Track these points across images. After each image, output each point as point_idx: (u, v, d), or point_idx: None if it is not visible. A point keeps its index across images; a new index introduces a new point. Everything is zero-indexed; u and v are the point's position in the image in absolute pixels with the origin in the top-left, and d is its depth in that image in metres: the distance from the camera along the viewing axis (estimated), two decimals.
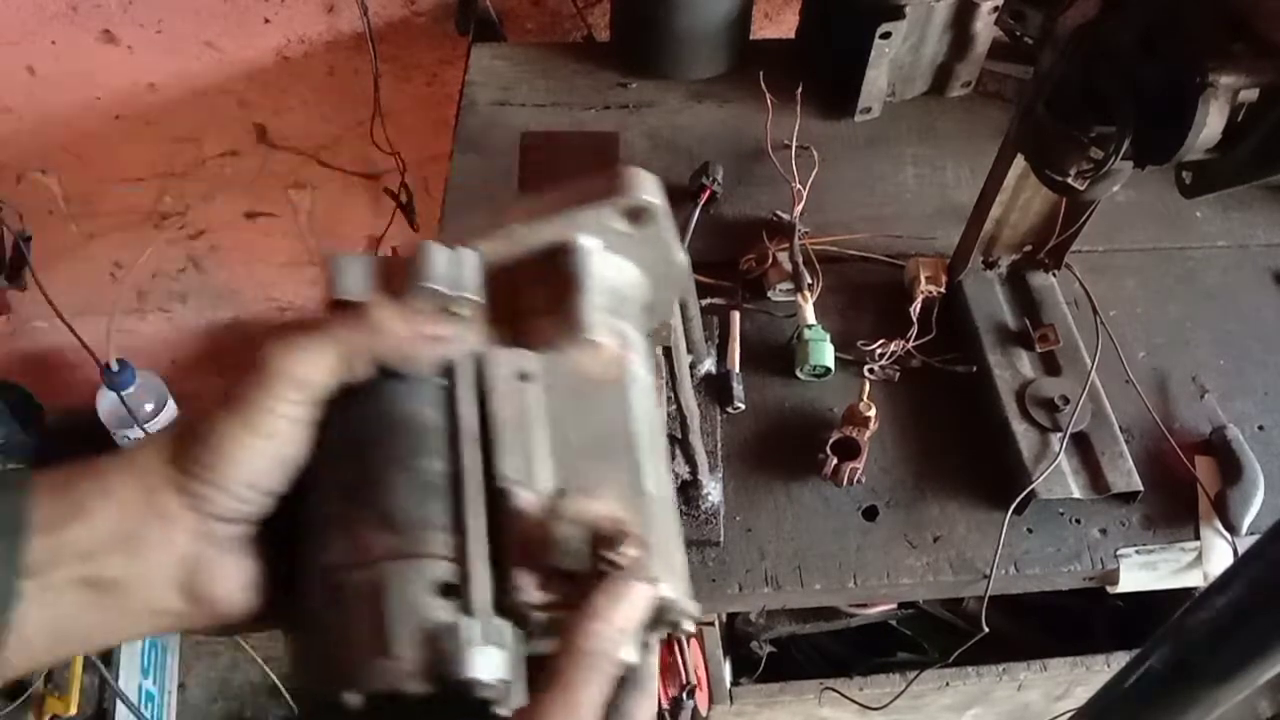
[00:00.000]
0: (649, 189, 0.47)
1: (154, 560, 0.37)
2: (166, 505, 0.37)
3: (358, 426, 0.41)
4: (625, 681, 0.39)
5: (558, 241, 0.48)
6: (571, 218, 0.47)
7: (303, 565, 0.40)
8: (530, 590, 0.38)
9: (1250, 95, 0.61)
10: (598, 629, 0.37)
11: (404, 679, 0.36)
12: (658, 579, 0.39)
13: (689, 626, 0.42)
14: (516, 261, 0.48)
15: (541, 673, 0.39)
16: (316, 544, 0.39)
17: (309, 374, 0.39)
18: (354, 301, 0.42)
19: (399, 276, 0.43)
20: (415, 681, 0.36)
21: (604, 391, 0.45)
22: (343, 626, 0.37)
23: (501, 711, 0.37)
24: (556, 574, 0.38)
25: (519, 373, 0.43)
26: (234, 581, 0.39)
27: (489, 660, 0.36)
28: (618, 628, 0.38)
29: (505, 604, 0.38)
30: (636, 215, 0.48)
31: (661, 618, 0.42)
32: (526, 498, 0.39)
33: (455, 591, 0.38)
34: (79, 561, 0.36)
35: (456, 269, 0.44)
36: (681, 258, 0.51)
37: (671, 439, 0.76)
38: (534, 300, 0.47)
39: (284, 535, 0.41)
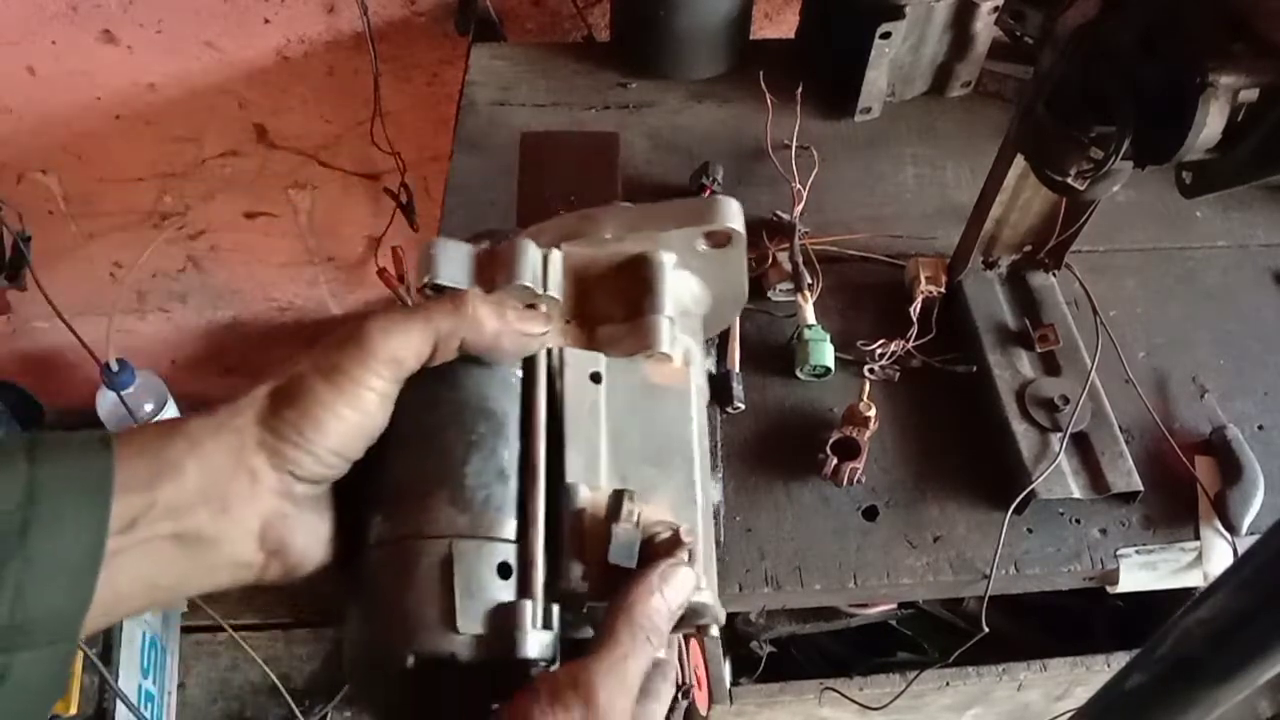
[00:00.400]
0: (737, 218, 0.49)
1: (239, 516, 0.40)
2: (255, 466, 0.40)
3: (437, 407, 0.44)
4: (654, 664, 0.41)
5: (638, 254, 0.50)
6: (660, 238, 0.49)
7: (373, 530, 0.42)
8: (579, 580, 0.41)
9: (1250, 95, 0.61)
10: (654, 604, 0.40)
11: (462, 648, 0.39)
12: (701, 588, 0.42)
13: (715, 631, 0.45)
14: (597, 267, 0.50)
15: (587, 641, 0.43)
16: (390, 512, 0.42)
17: (403, 354, 0.41)
18: (450, 288, 0.45)
19: (494, 269, 0.46)
20: (472, 651, 0.39)
21: (668, 402, 0.47)
22: (410, 594, 0.40)
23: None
24: (606, 568, 0.41)
25: (591, 374, 0.46)
26: (310, 537, 0.42)
27: (541, 642, 0.39)
28: (668, 607, 0.40)
29: (556, 591, 0.41)
30: (721, 241, 0.50)
31: (692, 619, 0.44)
32: (587, 494, 0.42)
33: (515, 574, 0.40)
34: (170, 518, 0.38)
35: (545, 268, 0.47)
36: (746, 282, 0.53)
37: None
38: (608, 306, 0.49)
39: (352, 497, 0.43)
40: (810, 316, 0.92)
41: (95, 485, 0.37)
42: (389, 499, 0.42)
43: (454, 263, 0.46)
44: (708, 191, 1.05)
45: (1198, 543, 0.84)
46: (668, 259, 0.50)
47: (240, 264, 1.79)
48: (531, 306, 0.46)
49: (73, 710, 1.10)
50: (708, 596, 0.42)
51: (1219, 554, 0.84)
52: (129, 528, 0.37)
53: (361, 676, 0.41)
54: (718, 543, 0.81)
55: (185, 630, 1.35)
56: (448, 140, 1.17)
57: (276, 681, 1.13)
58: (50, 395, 1.87)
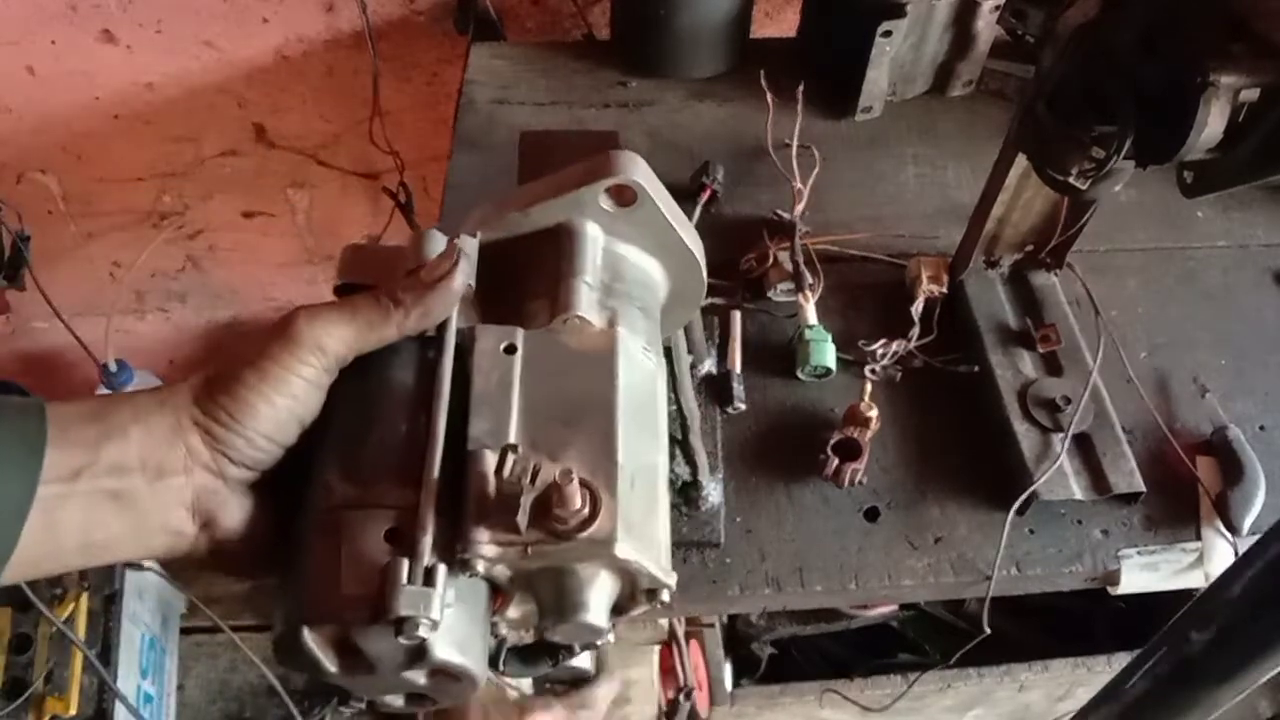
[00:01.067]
0: (635, 169, 0.48)
1: (174, 485, 0.42)
2: (191, 442, 0.42)
3: (352, 393, 0.45)
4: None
5: (554, 226, 0.50)
6: (563, 203, 0.49)
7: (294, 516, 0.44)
8: (483, 544, 0.40)
9: (1251, 95, 0.60)
10: None
11: (347, 611, 0.39)
12: (615, 539, 0.41)
13: (666, 597, 0.44)
14: (516, 247, 0.50)
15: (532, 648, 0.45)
16: (306, 495, 0.43)
17: (327, 343, 0.44)
18: (358, 285, 0.47)
19: (401, 261, 0.47)
20: (356, 614, 0.39)
21: (587, 364, 0.46)
22: (304, 568, 0.41)
23: (428, 641, 0.39)
24: (513, 528, 0.40)
25: (505, 346, 0.46)
26: (240, 515, 0.44)
27: (416, 597, 0.39)
28: None
29: (460, 556, 0.40)
30: (623, 196, 0.49)
31: (636, 586, 0.43)
32: (488, 457, 0.42)
33: (403, 539, 0.41)
34: (112, 475, 0.41)
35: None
36: (682, 238, 0.52)
37: (671, 439, 0.76)
38: (533, 285, 0.49)
39: (287, 489, 0.45)
40: (811, 316, 0.92)
41: (28, 443, 0.39)
42: (309, 483, 0.44)
43: (360, 264, 0.48)
44: (708, 192, 1.05)
45: (1199, 543, 0.84)
46: (590, 228, 0.50)
47: (239, 264, 1.79)
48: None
49: (72, 711, 1.10)
50: (627, 550, 0.41)
51: (1220, 554, 0.84)
52: (73, 477, 0.40)
53: (280, 653, 0.41)
54: (717, 544, 0.81)
55: (185, 631, 1.35)
56: (447, 139, 1.17)
57: (275, 683, 1.13)
58: (49, 395, 1.84)
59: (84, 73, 1.41)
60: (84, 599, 1.15)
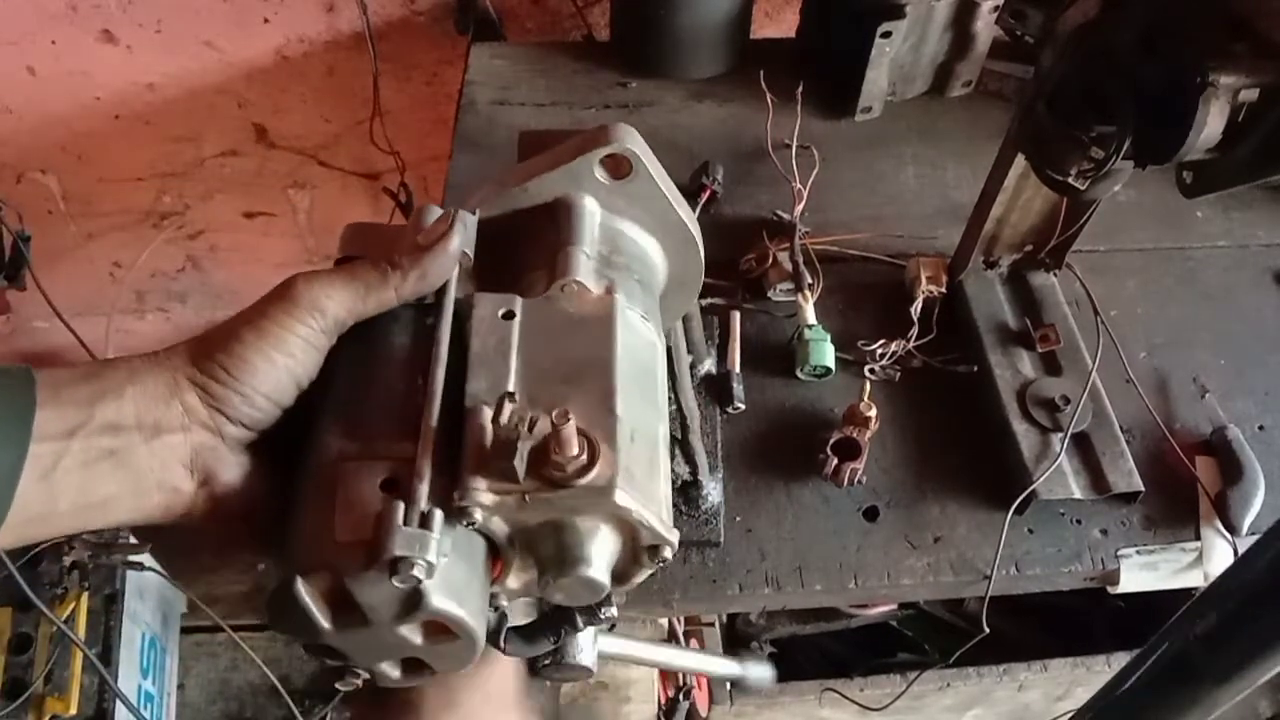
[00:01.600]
0: (628, 139, 0.49)
1: (171, 442, 0.42)
2: (188, 400, 0.43)
3: (352, 357, 0.46)
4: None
5: (552, 201, 0.50)
6: (559, 175, 0.50)
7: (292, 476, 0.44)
8: (480, 491, 0.40)
9: (1250, 95, 0.61)
10: None
11: (342, 558, 0.39)
12: (614, 486, 0.40)
13: (668, 554, 0.43)
14: (515, 225, 0.50)
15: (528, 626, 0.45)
16: (304, 454, 0.44)
17: (325, 304, 0.44)
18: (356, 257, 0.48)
19: (400, 236, 0.48)
20: (349, 559, 0.39)
21: (586, 327, 0.47)
22: (300, 520, 0.41)
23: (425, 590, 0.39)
24: (510, 475, 0.40)
25: (504, 312, 0.46)
26: (237, 474, 0.44)
27: (414, 540, 0.38)
28: None
29: (457, 504, 0.40)
30: (618, 167, 0.50)
31: (637, 542, 0.42)
32: (486, 412, 0.42)
33: (399, 487, 0.41)
34: (108, 434, 0.41)
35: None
36: (678, 213, 0.52)
37: (671, 439, 0.76)
38: (532, 257, 0.50)
39: (285, 455, 0.45)
40: (811, 316, 0.92)
41: (16, 404, 0.39)
42: (307, 443, 0.44)
43: (361, 240, 0.48)
44: (707, 192, 1.05)
45: (1198, 543, 0.84)
46: (588, 201, 0.50)
47: (239, 264, 1.79)
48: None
49: (72, 710, 1.10)
50: (627, 499, 0.40)
51: (1219, 554, 0.84)
52: (67, 435, 0.40)
53: (273, 613, 0.41)
54: (717, 543, 0.81)
55: (185, 631, 1.35)
56: (447, 140, 1.17)
57: (276, 682, 1.13)
58: None
59: (84, 73, 1.41)
60: (84, 599, 1.15)
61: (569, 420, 0.39)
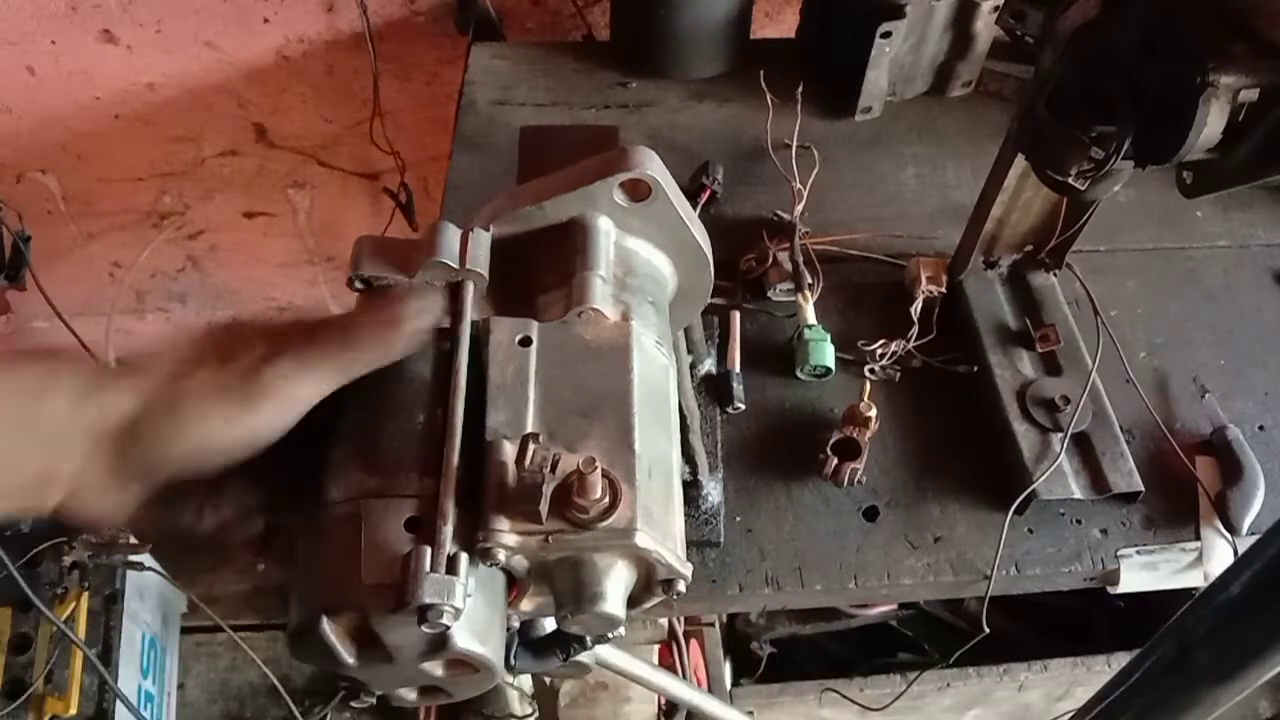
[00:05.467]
0: (651, 164, 0.49)
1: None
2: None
3: (369, 388, 0.46)
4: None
5: (567, 220, 0.50)
6: (577, 197, 0.50)
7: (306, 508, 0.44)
8: (504, 533, 0.40)
9: (1250, 95, 0.61)
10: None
11: (370, 601, 0.39)
12: (635, 528, 0.41)
13: (682, 587, 0.44)
14: (530, 241, 0.50)
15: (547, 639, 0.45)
16: (315, 488, 0.44)
17: (304, 394, 0.44)
18: (374, 277, 0.47)
19: (416, 253, 0.47)
20: (377, 601, 0.39)
21: (603, 357, 0.47)
22: (324, 558, 0.41)
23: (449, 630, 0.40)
24: (534, 517, 0.40)
25: (520, 339, 0.46)
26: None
27: (442, 588, 0.39)
28: None
29: (480, 545, 0.41)
30: (637, 190, 0.49)
31: (652, 576, 0.43)
32: (507, 448, 0.42)
33: (424, 528, 0.41)
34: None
35: (466, 246, 0.48)
36: (694, 234, 0.52)
37: None
38: (547, 276, 0.50)
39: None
40: (811, 316, 0.92)
41: None
42: (322, 476, 0.44)
43: (377, 257, 0.48)
44: (707, 192, 1.05)
45: (1198, 543, 0.84)
46: (603, 222, 0.50)
47: (239, 264, 1.79)
48: (456, 284, 0.47)
49: (72, 710, 1.10)
50: (647, 540, 0.41)
51: (1219, 554, 0.84)
52: None
53: (295, 645, 0.41)
54: (717, 543, 0.81)
55: (185, 631, 1.35)
56: (447, 140, 1.17)
57: (276, 682, 1.13)
58: None
59: (84, 73, 1.41)
60: (84, 599, 1.15)
61: (596, 468, 0.40)
